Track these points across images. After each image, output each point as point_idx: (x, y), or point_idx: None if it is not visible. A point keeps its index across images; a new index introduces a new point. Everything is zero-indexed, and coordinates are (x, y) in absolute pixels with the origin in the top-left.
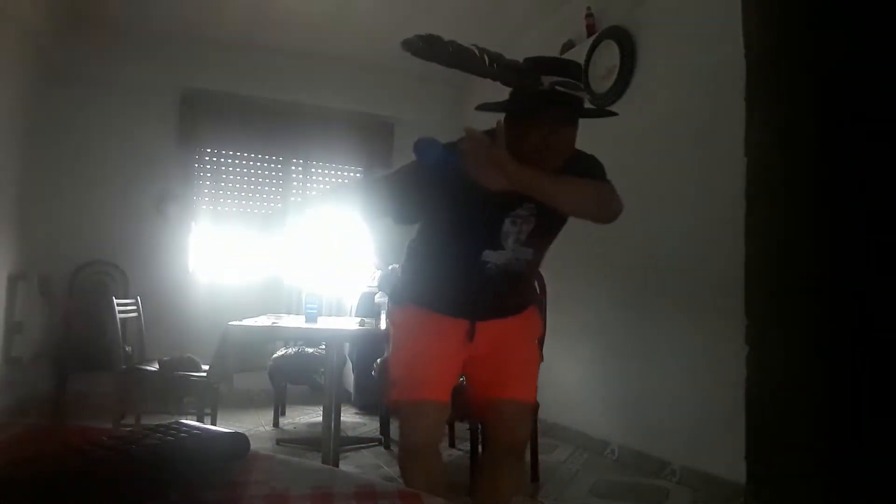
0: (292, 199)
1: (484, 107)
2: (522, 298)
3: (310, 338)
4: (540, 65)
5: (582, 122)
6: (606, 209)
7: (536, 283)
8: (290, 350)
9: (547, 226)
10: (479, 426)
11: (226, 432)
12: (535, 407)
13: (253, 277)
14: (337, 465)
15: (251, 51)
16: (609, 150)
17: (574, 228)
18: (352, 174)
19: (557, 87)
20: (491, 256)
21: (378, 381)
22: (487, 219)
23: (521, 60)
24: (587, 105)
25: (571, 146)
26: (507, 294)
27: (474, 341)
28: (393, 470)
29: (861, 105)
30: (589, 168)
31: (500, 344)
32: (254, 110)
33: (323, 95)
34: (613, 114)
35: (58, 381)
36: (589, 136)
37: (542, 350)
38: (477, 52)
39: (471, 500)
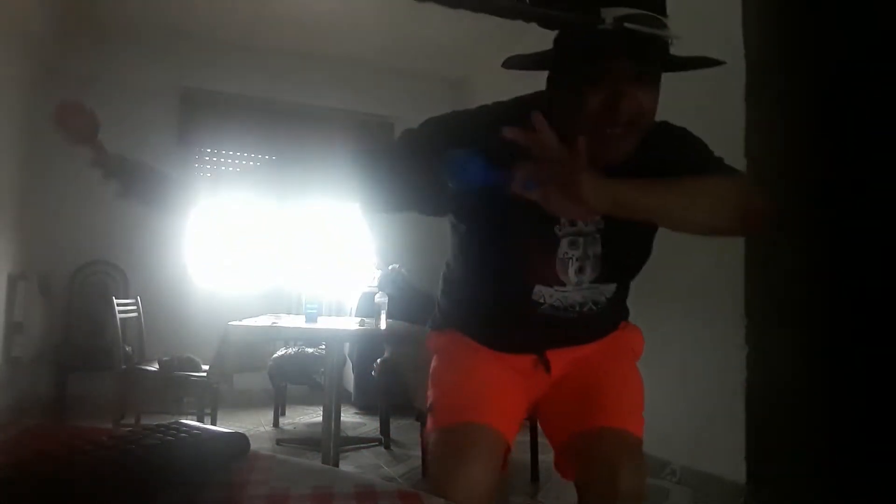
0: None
1: (514, 61)
2: (607, 328)
3: (310, 338)
4: None
5: None
6: (750, 216)
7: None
8: (290, 350)
9: (631, 248)
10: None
11: (226, 432)
12: (641, 448)
13: (253, 277)
14: (337, 465)
15: (251, 51)
16: None
17: None
18: None
19: (627, 24)
20: (545, 294)
21: (378, 381)
22: (538, 233)
23: None
24: (673, 49)
25: (650, 116)
26: (582, 334)
27: (552, 371)
28: (393, 470)
29: (861, 105)
30: (689, 151)
31: (586, 370)
32: (254, 110)
33: (323, 95)
34: (719, 62)
35: (58, 381)
36: None
37: None
38: None
39: None
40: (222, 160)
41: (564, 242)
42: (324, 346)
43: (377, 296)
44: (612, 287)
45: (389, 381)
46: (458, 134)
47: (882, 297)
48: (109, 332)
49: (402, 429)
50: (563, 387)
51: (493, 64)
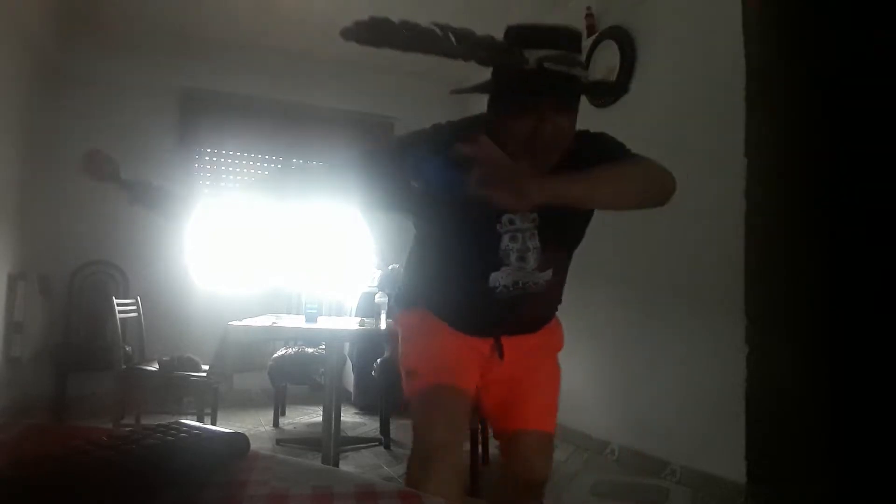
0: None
1: (460, 90)
2: (547, 315)
3: (310, 338)
4: (522, 37)
5: (581, 122)
6: (659, 189)
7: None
8: (290, 350)
9: (561, 240)
10: (480, 426)
11: (226, 432)
12: (553, 436)
13: (253, 277)
14: (337, 465)
15: (251, 51)
16: None
17: None
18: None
19: (546, 64)
20: (498, 278)
21: (378, 381)
22: (484, 232)
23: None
24: (585, 80)
25: (568, 135)
26: (532, 314)
27: (504, 359)
28: (393, 470)
29: (861, 105)
30: (605, 149)
31: (527, 364)
32: (254, 110)
33: (323, 95)
34: (623, 90)
35: (58, 380)
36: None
37: None
38: (439, 32)
39: None
40: (222, 160)
41: (505, 238)
42: (324, 346)
43: (377, 296)
44: (549, 273)
45: (389, 381)
46: (420, 148)
47: (882, 298)
48: (109, 332)
49: (402, 429)
50: (506, 382)
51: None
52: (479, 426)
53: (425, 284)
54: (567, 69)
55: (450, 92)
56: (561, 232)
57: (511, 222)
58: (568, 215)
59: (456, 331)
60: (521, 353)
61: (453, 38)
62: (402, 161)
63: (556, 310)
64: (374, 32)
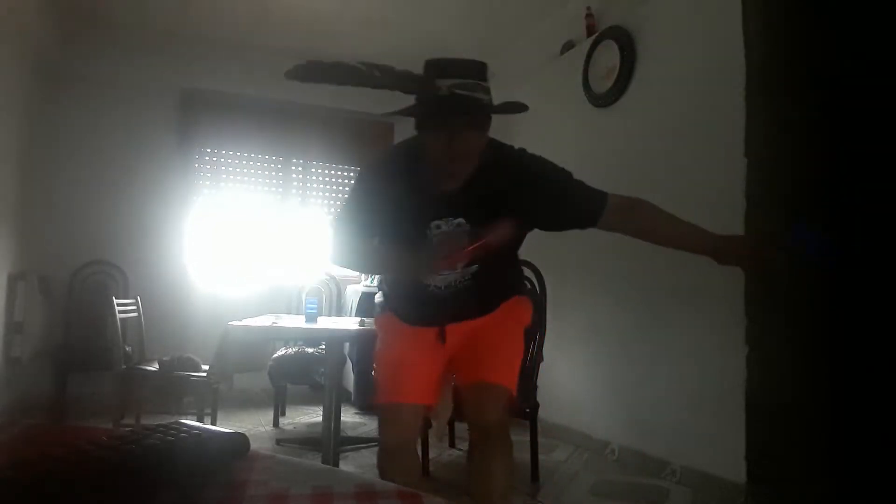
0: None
1: (391, 114)
2: (492, 302)
3: (310, 338)
4: (434, 68)
5: (581, 122)
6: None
7: (521, 275)
8: (290, 350)
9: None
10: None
11: (226, 432)
12: (510, 394)
13: (253, 277)
14: (337, 465)
15: (251, 51)
16: (609, 150)
17: (574, 231)
18: (352, 174)
19: (456, 91)
20: (432, 279)
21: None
22: (415, 237)
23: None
24: (489, 104)
25: (477, 150)
26: (471, 306)
27: (447, 344)
28: None
29: (861, 105)
30: (546, 173)
31: (474, 338)
32: (254, 110)
33: (323, 95)
34: (521, 108)
35: (58, 381)
36: (588, 136)
37: (541, 350)
38: (365, 69)
39: (469, 496)
40: (222, 160)
41: (434, 241)
42: (324, 346)
43: (377, 296)
44: (473, 268)
45: None
46: (374, 189)
47: (882, 297)
48: (109, 332)
49: None
50: (463, 353)
51: (493, 65)
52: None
53: (386, 288)
54: (472, 94)
55: (380, 115)
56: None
57: (438, 227)
58: (495, 217)
59: (409, 325)
60: (464, 335)
61: (378, 73)
62: (363, 209)
63: (511, 294)
64: (313, 72)
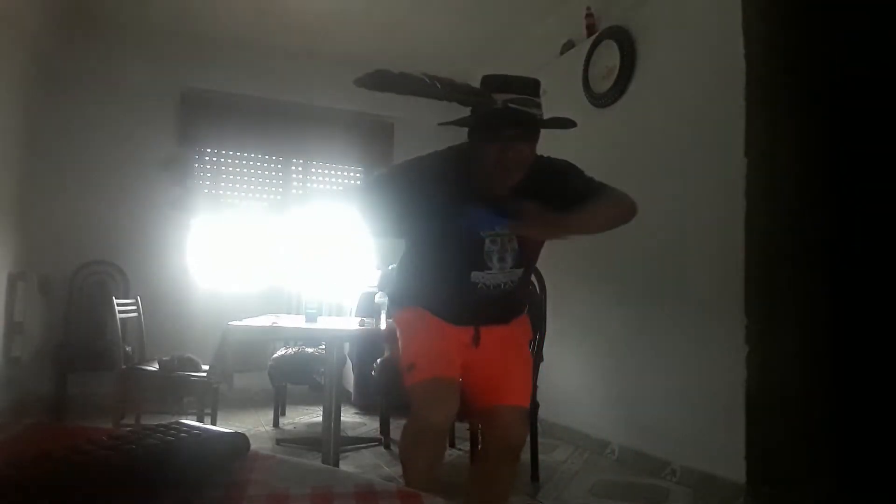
0: (293, 192)
1: (446, 123)
2: (520, 308)
3: (310, 338)
4: (492, 84)
5: (581, 122)
6: (627, 212)
7: (533, 282)
8: (290, 350)
9: (533, 243)
10: (479, 426)
11: (226, 432)
12: (529, 410)
13: (253, 277)
14: (337, 465)
15: (251, 51)
16: (609, 150)
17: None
18: (352, 174)
19: (511, 105)
20: (480, 277)
21: (378, 381)
22: (468, 238)
23: (487, 77)
24: (541, 119)
25: (527, 162)
26: (506, 308)
27: (479, 345)
28: (393, 470)
29: (861, 105)
30: (569, 177)
31: (501, 350)
32: (254, 110)
33: (323, 95)
34: (570, 124)
35: (58, 380)
36: (588, 136)
37: (541, 350)
38: (427, 80)
39: (465, 497)
40: (222, 160)
41: (487, 241)
42: (324, 346)
43: (377, 296)
44: (520, 271)
45: (389, 381)
46: (416, 181)
47: (882, 297)
48: (109, 332)
49: (402, 429)
50: (486, 365)
51: (492, 65)
52: (479, 426)
53: (419, 285)
54: (526, 109)
55: (438, 124)
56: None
57: (492, 228)
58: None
59: (443, 322)
60: (494, 341)
61: (439, 85)
62: (404, 189)
63: (526, 306)
64: (381, 81)
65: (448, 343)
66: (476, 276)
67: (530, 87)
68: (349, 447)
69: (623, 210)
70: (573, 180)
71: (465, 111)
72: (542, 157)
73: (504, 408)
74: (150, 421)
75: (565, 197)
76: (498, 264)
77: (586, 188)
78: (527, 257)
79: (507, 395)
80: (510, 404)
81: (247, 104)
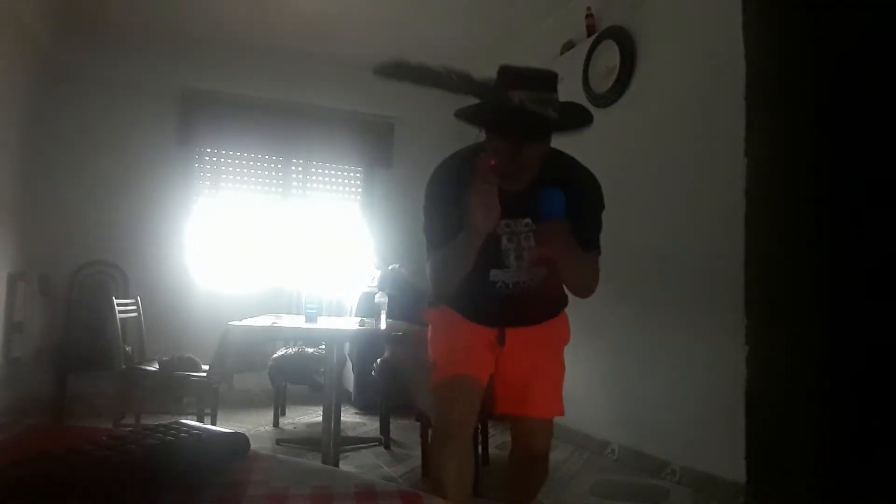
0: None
1: (461, 114)
2: (550, 308)
3: (310, 338)
4: (510, 79)
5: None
6: (591, 289)
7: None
8: (290, 350)
9: (548, 241)
10: (479, 426)
11: (226, 432)
12: (554, 419)
13: (253, 277)
14: (337, 465)
15: (251, 51)
16: (609, 150)
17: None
18: (352, 174)
19: (526, 103)
20: (499, 276)
21: (378, 381)
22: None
23: (500, 68)
24: (556, 117)
25: (541, 159)
26: (531, 309)
27: (505, 346)
28: (393, 470)
29: (861, 104)
30: (587, 195)
31: (528, 353)
32: (254, 110)
33: (323, 95)
34: (587, 122)
35: (58, 381)
36: (589, 136)
37: None
38: (444, 73)
39: (502, 495)
40: (222, 160)
41: (504, 239)
42: (324, 346)
43: (377, 296)
44: (542, 271)
45: (389, 381)
46: (451, 184)
47: (882, 297)
48: (109, 332)
49: (402, 429)
50: (514, 369)
51: (492, 65)
52: (479, 426)
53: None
54: (541, 108)
55: (454, 113)
56: (554, 235)
57: (508, 226)
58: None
59: (468, 321)
60: (523, 343)
61: (455, 78)
62: (441, 202)
63: (561, 307)
64: (400, 71)
65: (471, 341)
66: (495, 274)
67: (547, 83)
68: (349, 447)
69: (592, 285)
70: (588, 203)
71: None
72: (567, 155)
73: (528, 419)
74: (150, 421)
75: (571, 211)
76: (516, 262)
77: (591, 224)
78: (546, 256)
79: (531, 406)
80: (534, 416)
81: (247, 104)
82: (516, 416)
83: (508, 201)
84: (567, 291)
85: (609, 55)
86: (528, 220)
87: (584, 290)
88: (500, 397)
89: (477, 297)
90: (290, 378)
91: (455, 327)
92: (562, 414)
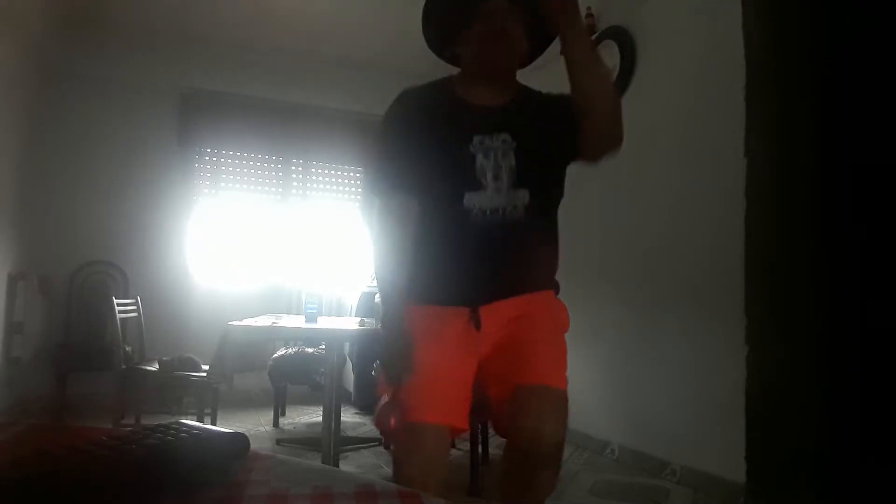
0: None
1: (441, 21)
2: (532, 272)
3: (310, 338)
4: None
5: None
6: (618, 123)
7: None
8: (290, 350)
9: (535, 160)
10: (480, 426)
11: (226, 432)
12: (566, 402)
13: (253, 277)
14: (337, 465)
15: (251, 51)
16: None
17: (574, 228)
18: (352, 174)
19: None
20: (474, 200)
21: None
22: (457, 152)
23: None
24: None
25: (519, 43)
26: (510, 259)
27: (482, 330)
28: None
29: (862, 105)
30: (562, 96)
31: (515, 328)
32: (254, 110)
33: (323, 95)
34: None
35: (58, 381)
36: None
37: None
38: None
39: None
40: (222, 160)
41: (479, 157)
42: (324, 346)
43: (377, 296)
44: (525, 193)
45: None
46: (412, 123)
47: (883, 297)
48: (109, 332)
49: None
50: (501, 348)
51: None
52: (479, 426)
53: (415, 257)
54: None
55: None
56: (534, 151)
57: (482, 142)
58: (539, 135)
59: (436, 307)
60: (505, 317)
61: None
62: (400, 134)
63: (548, 281)
64: None
65: (448, 352)
66: (470, 199)
67: None
68: (349, 447)
69: (619, 117)
70: (569, 103)
71: None
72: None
73: (526, 387)
74: (150, 421)
75: (558, 119)
76: (493, 182)
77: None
78: (529, 177)
79: (529, 373)
80: (534, 382)
81: (247, 104)
82: (518, 387)
83: (482, 116)
84: (589, 146)
85: (609, 55)
86: (505, 136)
87: (612, 125)
88: (492, 385)
89: (449, 232)
90: (290, 378)
91: (424, 336)
92: (564, 387)
